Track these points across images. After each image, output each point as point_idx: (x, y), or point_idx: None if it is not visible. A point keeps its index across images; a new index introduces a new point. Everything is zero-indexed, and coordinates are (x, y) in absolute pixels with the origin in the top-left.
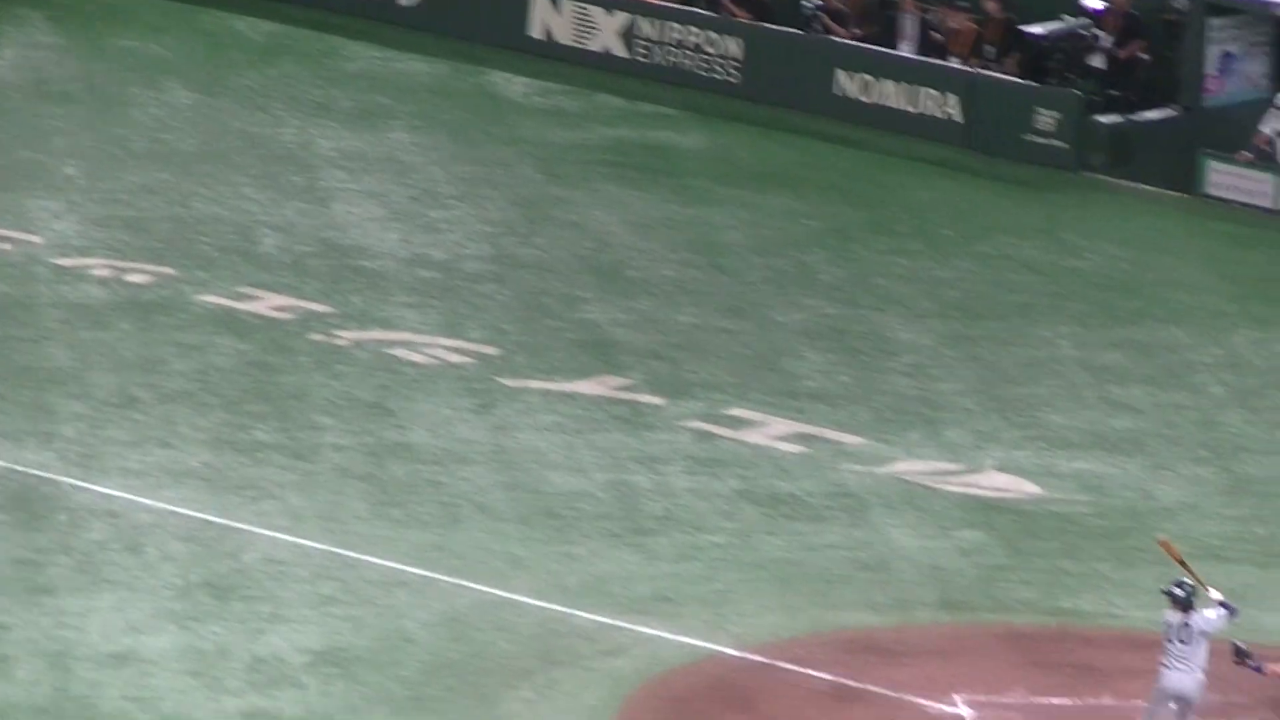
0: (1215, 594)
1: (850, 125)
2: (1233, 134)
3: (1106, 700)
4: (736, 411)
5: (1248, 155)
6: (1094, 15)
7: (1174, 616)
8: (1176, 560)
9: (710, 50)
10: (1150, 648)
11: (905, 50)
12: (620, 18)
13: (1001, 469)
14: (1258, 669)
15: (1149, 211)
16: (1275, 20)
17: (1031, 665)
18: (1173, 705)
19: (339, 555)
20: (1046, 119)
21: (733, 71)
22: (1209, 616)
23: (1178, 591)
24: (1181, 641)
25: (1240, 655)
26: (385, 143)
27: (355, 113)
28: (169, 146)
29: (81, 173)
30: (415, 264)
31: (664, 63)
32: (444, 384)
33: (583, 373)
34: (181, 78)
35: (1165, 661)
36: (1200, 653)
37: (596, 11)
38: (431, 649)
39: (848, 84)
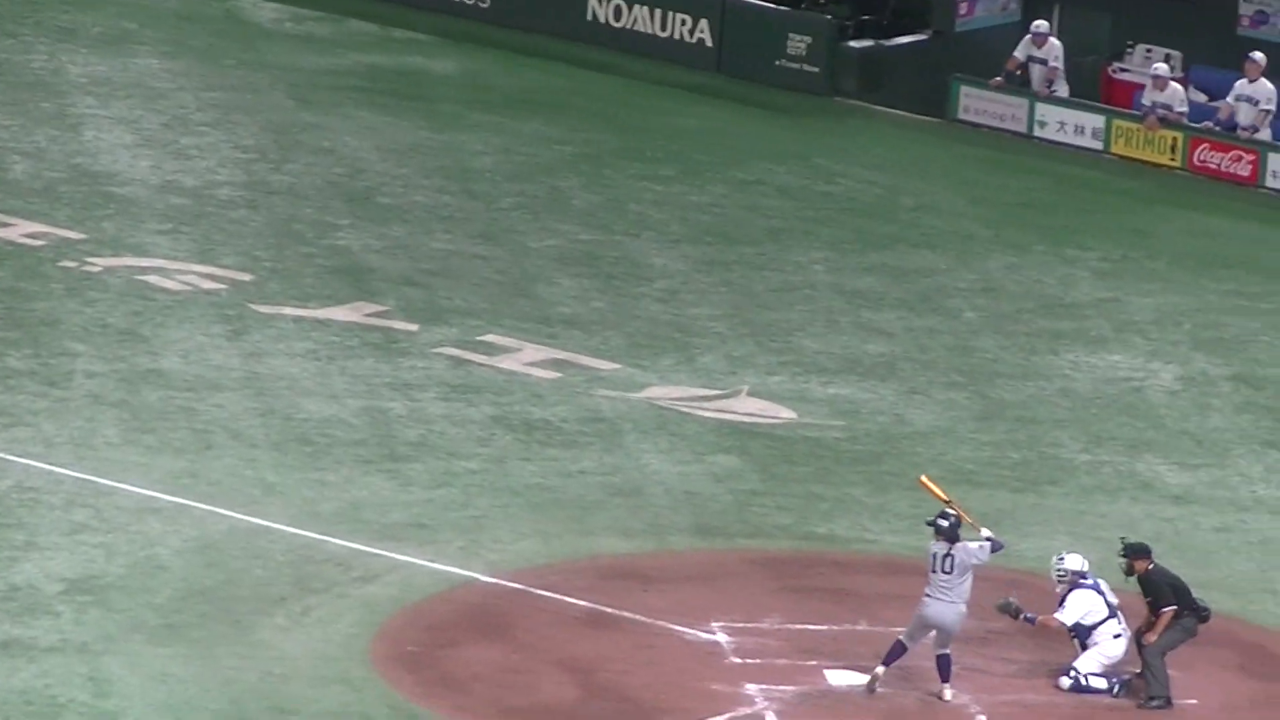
0: (986, 532)
1: (603, 50)
2: (985, 59)
3: (862, 626)
4: (490, 338)
5: (1000, 80)
6: None
7: (938, 547)
8: (941, 499)
9: None
10: (904, 573)
11: None
12: None
13: (755, 394)
14: (1030, 621)
15: (902, 136)
16: None
17: (787, 591)
18: (932, 634)
19: (91, 482)
20: (798, 44)
21: None
22: (972, 548)
23: (942, 522)
24: (945, 572)
25: (1012, 612)
26: (134, 68)
27: (104, 38)
28: None
29: None
30: (167, 190)
31: None
32: (197, 310)
33: (336, 299)
34: None
35: (928, 591)
36: (964, 584)
37: None
38: (185, 576)
39: (599, 9)
